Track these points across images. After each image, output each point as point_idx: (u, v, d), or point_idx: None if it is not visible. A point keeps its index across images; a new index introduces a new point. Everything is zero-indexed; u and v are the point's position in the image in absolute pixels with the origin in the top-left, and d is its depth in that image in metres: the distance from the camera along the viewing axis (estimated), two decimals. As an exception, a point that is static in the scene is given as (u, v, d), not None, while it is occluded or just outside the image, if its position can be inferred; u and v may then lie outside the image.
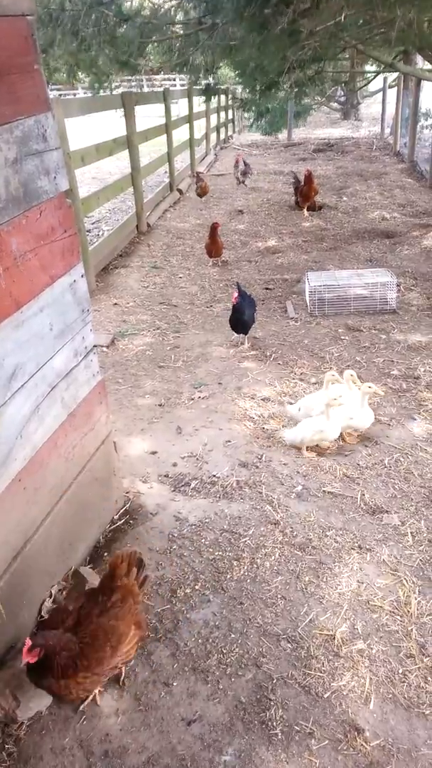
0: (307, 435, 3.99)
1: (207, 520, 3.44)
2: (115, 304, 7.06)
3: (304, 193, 10.60)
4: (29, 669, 2.14)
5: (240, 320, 5.59)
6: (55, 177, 2.63)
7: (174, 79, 35.35)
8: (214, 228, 7.99)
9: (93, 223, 11.14)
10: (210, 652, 2.66)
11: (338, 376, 4.24)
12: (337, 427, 3.99)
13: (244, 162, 13.47)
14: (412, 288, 7.06)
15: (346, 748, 2.28)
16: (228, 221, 10.68)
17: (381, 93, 23.24)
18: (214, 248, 8.13)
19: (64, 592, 2.88)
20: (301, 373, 5.19)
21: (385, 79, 22.18)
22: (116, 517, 3.49)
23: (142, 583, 2.45)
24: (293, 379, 5.10)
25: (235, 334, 5.83)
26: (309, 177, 10.48)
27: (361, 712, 2.40)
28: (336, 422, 3.98)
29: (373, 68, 20.91)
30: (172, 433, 4.35)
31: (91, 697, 2.44)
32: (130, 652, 2.37)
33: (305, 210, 10.70)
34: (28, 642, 2.07)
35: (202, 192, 12.17)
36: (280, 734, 2.33)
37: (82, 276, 2.93)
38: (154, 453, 4.12)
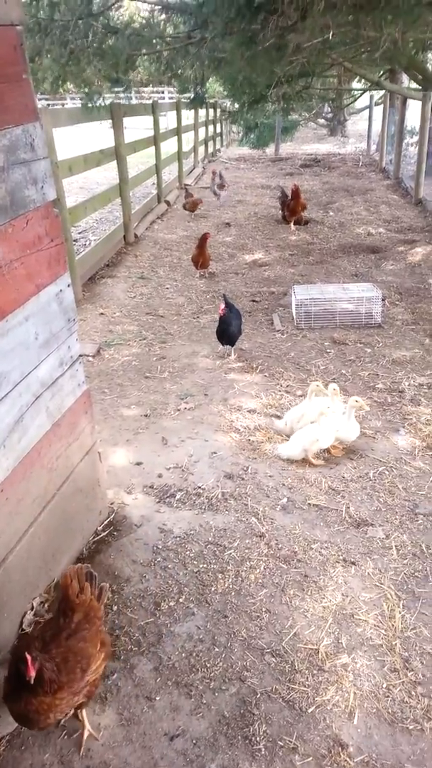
0: (307, 444, 4.02)
1: (192, 532, 3.42)
2: (102, 314, 7.05)
3: (291, 207, 10.69)
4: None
5: (226, 332, 5.60)
6: (42, 186, 2.62)
7: (162, 92, 35.61)
8: (204, 238, 8.00)
9: (80, 233, 11.13)
10: (194, 666, 2.63)
11: (322, 387, 4.28)
12: (330, 436, 4.03)
13: (220, 175, 13.46)
14: (397, 303, 7.12)
15: (330, 764, 2.26)
16: (215, 234, 10.72)
17: (367, 110, 23.62)
18: (201, 259, 8.10)
19: (46, 605, 2.84)
20: (287, 386, 5.20)
21: (371, 97, 22.55)
22: (100, 528, 3.45)
23: (99, 596, 2.38)
24: (279, 391, 5.10)
25: (222, 346, 5.83)
26: (296, 192, 10.58)
27: (345, 727, 2.38)
28: (329, 430, 4.01)
29: (360, 86, 21.25)
30: (158, 444, 4.33)
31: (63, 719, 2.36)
32: (98, 670, 2.29)
33: (292, 224, 10.78)
34: (29, 656, 2.00)
35: (192, 207, 11.99)
36: (263, 749, 2.30)
37: (68, 285, 2.92)
38: (139, 464, 4.09)
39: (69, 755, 2.29)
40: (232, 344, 5.73)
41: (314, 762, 2.27)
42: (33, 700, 2.04)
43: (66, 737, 2.35)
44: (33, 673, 1.97)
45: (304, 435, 4.03)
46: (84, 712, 2.36)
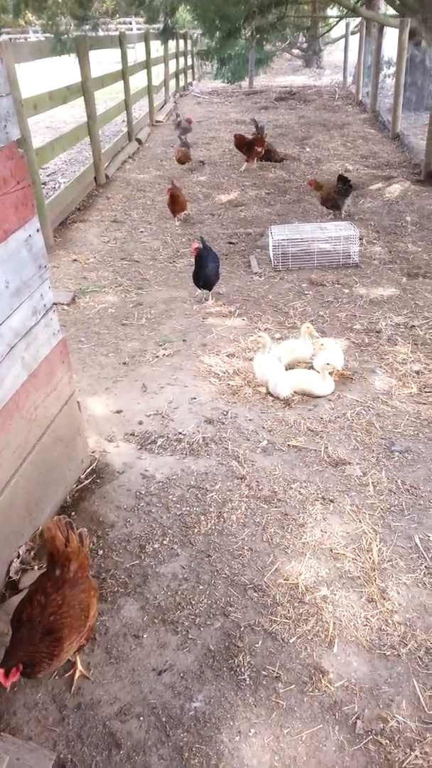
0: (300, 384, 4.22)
1: (174, 477, 3.46)
2: (75, 260, 6.89)
3: (252, 147, 10.35)
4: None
5: (201, 274, 5.51)
6: (5, 125, 2.50)
7: (130, 23, 33.84)
8: (172, 195, 7.63)
9: (48, 175, 10.75)
10: (179, 604, 2.72)
11: (312, 329, 4.51)
12: (330, 385, 4.21)
13: (186, 119, 12.88)
14: (375, 241, 7.06)
15: (312, 689, 2.38)
16: (189, 173, 10.44)
17: (343, 39, 22.73)
18: (176, 207, 7.79)
19: (32, 552, 2.89)
20: (266, 329, 5.18)
21: (347, 25, 21.68)
22: (83, 476, 3.48)
23: (82, 542, 2.40)
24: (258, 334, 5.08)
25: (199, 290, 5.76)
26: (261, 140, 10.32)
27: (326, 656, 2.50)
28: (329, 381, 4.19)
29: (336, 13, 20.39)
30: (137, 392, 4.33)
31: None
32: (95, 614, 2.38)
33: (253, 161, 10.54)
34: (1, 671, 2.03)
35: (182, 158, 10.50)
36: (248, 679, 2.41)
37: (37, 230, 2.84)
38: (119, 412, 4.10)
39: (61, 694, 2.37)
40: (209, 288, 5.65)
41: (297, 689, 2.38)
42: (46, 666, 2.15)
43: (57, 677, 2.43)
44: (10, 682, 2.05)
45: (301, 376, 4.25)
46: (77, 654, 2.44)
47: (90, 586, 2.36)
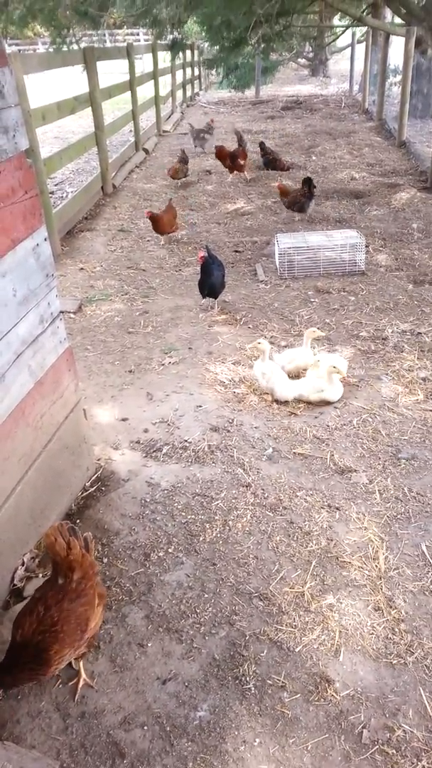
0: (307, 392, 4.20)
1: (179, 485, 3.46)
2: (82, 268, 6.93)
3: (235, 159, 10.19)
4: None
5: (206, 282, 5.52)
6: (14, 135, 2.53)
7: (138, 34, 34.16)
8: (151, 218, 7.25)
9: (56, 185, 10.83)
10: (184, 613, 2.71)
11: (319, 332, 4.55)
12: (339, 390, 4.18)
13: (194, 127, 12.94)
14: (381, 249, 7.06)
15: (317, 699, 2.36)
16: (196, 182, 10.50)
17: (349, 48, 22.85)
18: (158, 228, 7.37)
19: (36, 560, 2.89)
20: (271, 337, 5.18)
21: (353, 35, 21.81)
22: (88, 484, 3.48)
23: (87, 547, 2.35)
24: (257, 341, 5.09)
25: (204, 299, 5.78)
26: (243, 152, 10.25)
27: (332, 665, 2.48)
28: (338, 386, 4.16)
29: (342, 23, 20.50)
30: (143, 399, 4.34)
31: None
32: (97, 625, 2.35)
33: (240, 173, 10.44)
34: None
35: (175, 174, 10.13)
36: (253, 689, 2.39)
37: (45, 239, 2.86)
38: (125, 419, 4.10)
39: (65, 702, 2.37)
40: (215, 296, 5.66)
41: (302, 698, 2.36)
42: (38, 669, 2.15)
43: (61, 686, 2.43)
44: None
45: (309, 383, 4.21)
46: (81, 662, 2.43)
47: (94, 595, 2.31)
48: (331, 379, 4.12)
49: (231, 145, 12.87)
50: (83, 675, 2.42)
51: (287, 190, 8.02)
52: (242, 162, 10.19)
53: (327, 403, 4.20)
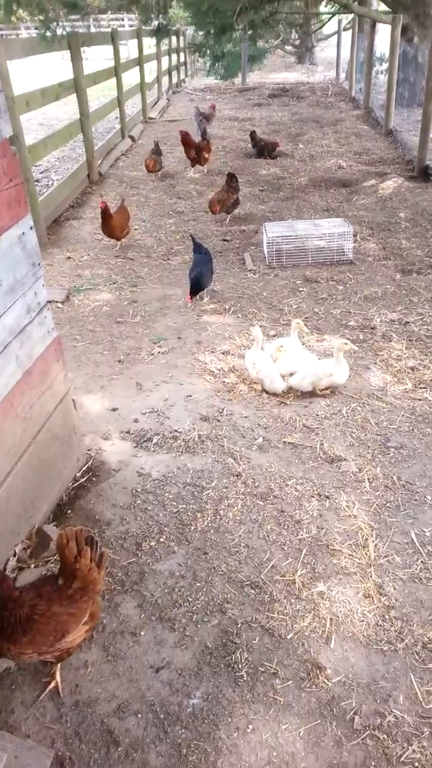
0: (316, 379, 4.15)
1: (170, 475, 3.46)
2: (69, 257, 6.87)
3: (200, 153, 9.94)
4: None
5: (190, 277, 5.42)
6: (-2, 122, 2.49)
7: (122, 20, 33.73)
8: (104, 212, 6.57)
9: (42, 173, 10.71)
10: (176, 601, 2.72)
11: (302, 324, 4.49)
12: (345, 371, 4.13)
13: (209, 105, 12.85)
14: (368, 238, 7.07)
15: (309, 685, 2.38)
16: (183, 169, 10.42)
17: (336, 36, 22.74)
18: (107, 230, 6.78)
19: (28, 551, 2.88)
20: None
21: (339, 22, 21.70)
22: (79, 474, 3.47)
23: (99, 563, 2.26)
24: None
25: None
26: (207, 146, 9.96)
27: (323, 652, 2.50)
28: (345, 367, 4.11)
29: (328, 9, 20.39)
30: (133, 390, 4.32)
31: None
32: (75, 641, 2.24)
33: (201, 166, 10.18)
34: None
35: (153, 167, 9.73)
36: (245, 676, 2.41)
37: (31, 228, 2.82)
38: (114, 410, 4.09)
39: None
40: (199, 290, 5.53)
41: (294, 684, 2.39)
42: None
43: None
44: None
45: (318, 368, 4.14)
46: (57, 666, 2.36)
47: (86, 611, 2.21)
48: (339, 360, 4.06)
49: (215, 133, 12.81)
50: (57, 680, 2.36)
51: (220, 200, 7.49)
52: (207, 156, 9.95)
53: (338, 385, 4.20)
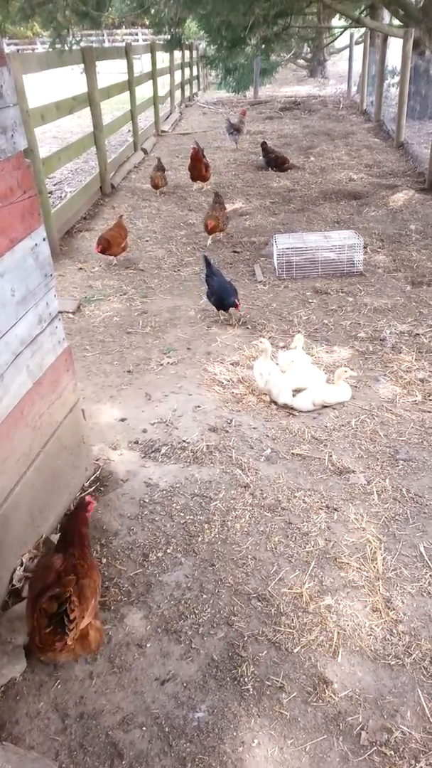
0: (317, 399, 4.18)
1: (178, 485, 3.46)
2: (80, 268, 6.93)
3: (208, 169, 9.85)
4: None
5: (213, 296, 5.38)
6: (12, 135, 2.53)
7: (136, 34, 34.17)
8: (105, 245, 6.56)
9: (55, 185, 10.82)
10: (182, 613, 2.71)
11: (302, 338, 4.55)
12: (348, 392, 4.18)
13: (231, 122, 12.93)
14: (379, 250, 7.07)
15: (316, 700, 2.36)
16: (193, 182, 10.48)
17: (348, 50, 22.88)
18: (105, 244, 6.65)
19: (35, 561, 2.88)
20: (270, 337, 5.18)
21: (351, 36, 21.85)
22: (86, 484, 3.48)
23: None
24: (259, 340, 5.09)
25: (204, 299, 5.77)
26: (195, 155, 9.67)
27: (330, 666, 2.48)
28: (346, 388, 4.16)
29: (340, 23, 20.54)
30: (142, 400, 4.33)
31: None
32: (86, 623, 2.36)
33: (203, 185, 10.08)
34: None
35: (152, 184, 9.67)
36: (251, 689, 2.39)
37: (44, 239, 2.86)
38: (123, 420, 4.10)
39: (63, 703, 2.36)
40: (223, 308, 5.45)
41: (300, 699, 2.37)
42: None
43: (59, 686, 2.42)
44: None
45: (320, 389, 4.19)
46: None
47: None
48: (341, 384, 4.14)
49: (226, 146, 12.90)
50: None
51: (214, 222, 7.28)
52: (208, 174, 9.93)
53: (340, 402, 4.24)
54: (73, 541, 2.52)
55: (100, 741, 2.24)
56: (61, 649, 2.19)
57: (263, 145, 11.12)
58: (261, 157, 11.21)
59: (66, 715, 2.32)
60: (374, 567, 2.91)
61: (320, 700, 2.36)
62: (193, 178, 9.87)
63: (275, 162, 10.77)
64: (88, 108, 9.01)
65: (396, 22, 14.59)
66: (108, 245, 6.62)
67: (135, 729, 2.28)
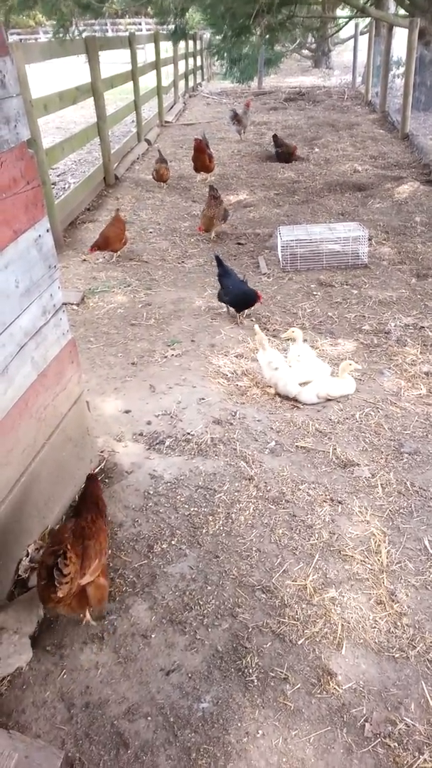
0: (322, 393, 4.17)
1: (182, 477, 3.46)
2: (84, 260, 6.91)
3: (212, 160, 9.80)
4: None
5: (227, 295, 5.31)
6: (15, 125, 2.51)
7: (140, 24, 33.94)
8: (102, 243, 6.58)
9: (58, 176, 10.79)
10: (187, 605, 2.72)
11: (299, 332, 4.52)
12: (352, 384, 4.18)
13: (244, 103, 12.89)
14: (384, 242, 7.04)
15: (320, 691, 2.37)
16: (197, 173, 10.44)
17: (352, 40, 22.69)
18: (109, 245, 6.70)
19: (40, 551, 2.89)
20: (274, 329, 5.18)
21: (356, 26, 21.65)
22: (91, 476, 3.48)
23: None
24: (266, 335, 5.07)
25: (208, 291, 5.76)
26: (199, 146, 9.59)
27: (334, 658, 2.49)
28: (351, 381, 4.17)
29: (345, 13, 20.36)
30: (146, 392, 4.33)
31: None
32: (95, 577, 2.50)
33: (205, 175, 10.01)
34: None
35: (159, 177, 9.59)
36: (255, 680, 2.40)
37: (47, 230, 2.85)
38: (128, 412, 4.10)
39: (69, 693, 2.38)
40: (237, 309, 5.38)
41: (304, 690, 2.38)
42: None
43: (65, 676, 2.44)
44: None
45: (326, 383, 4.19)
46: (87, 612, 2.61)
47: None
48: (345, 377, 4.14)
49: (230, 137, 12.84)
50: (88, 617, 2.62)
51: (207, 222, 7.20)
52: (212, 165, 9.90)
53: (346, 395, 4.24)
54: (87, 506, 2.68)
55: (106, 730, 2.26)
56: (57, 601, 2.31)
57: (275, 137, 11.04)
58: (272, 148, 11.11)
59: (72, 705, 2.34)
60: (378, 560, 2.92)
61: (324, 692, 2.37)
62: (197, 169, 9.84)
63: (286, 154, 10.70)
64: (92, 98, 8.96)
65: (401, 11, 14.45)
66: (105, 244, 6.61)
67: (140, 719, 2.29)
